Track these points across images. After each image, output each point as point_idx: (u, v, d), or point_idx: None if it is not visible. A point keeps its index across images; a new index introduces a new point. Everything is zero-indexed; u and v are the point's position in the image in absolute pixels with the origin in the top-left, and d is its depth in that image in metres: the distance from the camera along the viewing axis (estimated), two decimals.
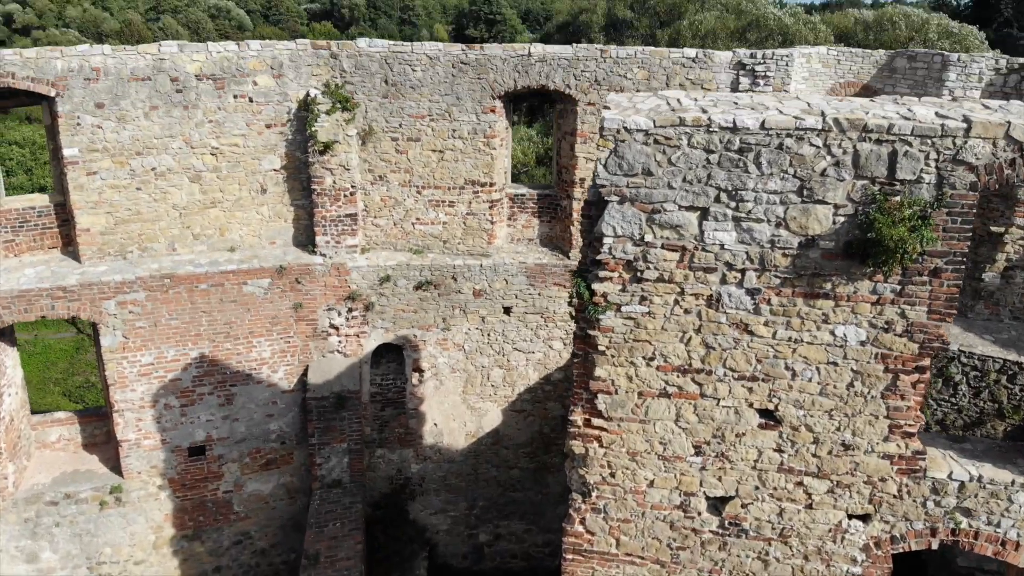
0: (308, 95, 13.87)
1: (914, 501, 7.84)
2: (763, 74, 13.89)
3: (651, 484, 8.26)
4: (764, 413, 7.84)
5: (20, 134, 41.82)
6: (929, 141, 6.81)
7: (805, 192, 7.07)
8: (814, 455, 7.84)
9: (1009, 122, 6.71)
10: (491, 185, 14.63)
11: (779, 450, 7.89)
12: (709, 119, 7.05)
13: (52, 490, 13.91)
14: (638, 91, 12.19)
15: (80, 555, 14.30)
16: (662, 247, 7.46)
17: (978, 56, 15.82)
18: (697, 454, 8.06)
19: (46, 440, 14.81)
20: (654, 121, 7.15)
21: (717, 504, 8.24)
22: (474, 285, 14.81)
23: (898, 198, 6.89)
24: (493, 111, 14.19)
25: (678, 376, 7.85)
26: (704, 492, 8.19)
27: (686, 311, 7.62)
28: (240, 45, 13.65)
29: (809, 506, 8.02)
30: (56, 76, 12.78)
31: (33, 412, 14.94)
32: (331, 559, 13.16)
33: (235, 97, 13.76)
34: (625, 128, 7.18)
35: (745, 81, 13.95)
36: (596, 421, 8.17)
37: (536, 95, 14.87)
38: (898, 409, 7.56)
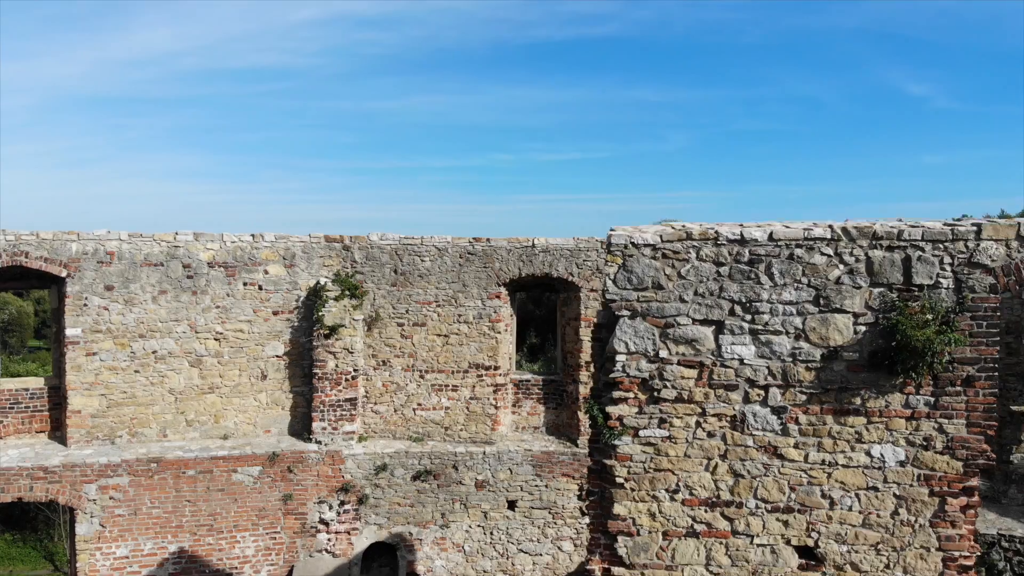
0: (318, 283, 14.13)
1: None
2: None
3: None
4: (803, 551, 7.05)
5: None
6: (941, 246, 6.80)
7: (822, 301, 6.92)
8: None
9: (1020, 223, 6.75)
10: (495, 369, 14.43)
11: None
12: (716, 232, 7.10)
13: None
14: None
15: None
16: (678, 363, 7.15)
17: None
18: None
19: None
20: (661, 236, 7.19)
21: None
22: (476, 475, 14.06)
23: (918, 304, 6.74)
24: (498, 297, 14.39)
25: (706, 511, 7.15)
26: None
27: (709, 434, 7.13)
28: (255, 236, 14.15)
29: None
30: (69, 258, 13.11)
31: None
32: None
33: (245, 284, 14.02)
34: (632, 243, 7.20)
35: None
36: (616, 570, 7.31)
37: (539, 285, 15.16)
38: (950, 539, 6.80)
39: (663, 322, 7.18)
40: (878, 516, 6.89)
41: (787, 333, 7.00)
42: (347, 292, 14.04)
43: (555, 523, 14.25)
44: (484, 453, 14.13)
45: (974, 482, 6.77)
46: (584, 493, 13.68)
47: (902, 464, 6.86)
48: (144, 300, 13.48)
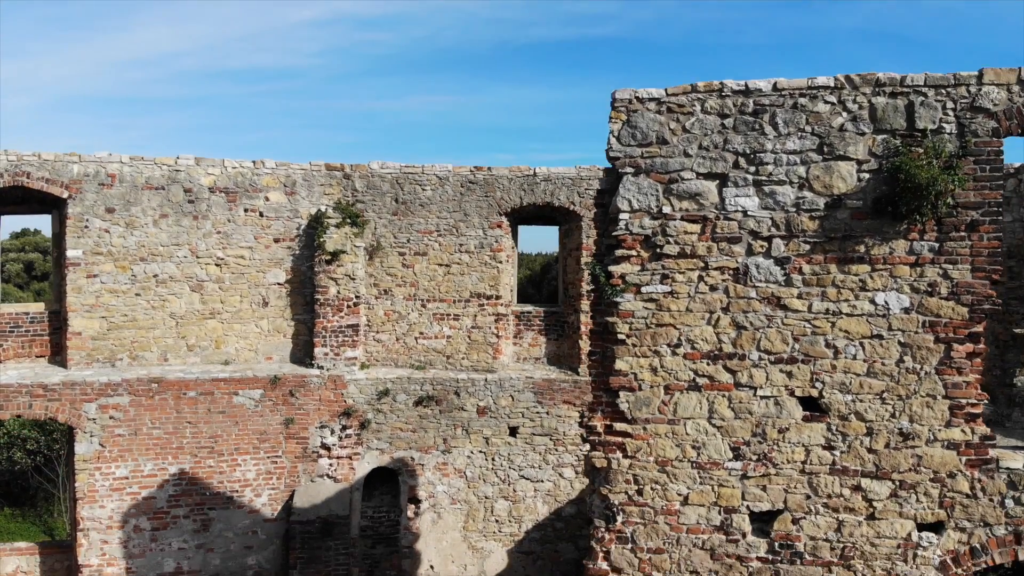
0: (319, 211, 14.11)
1: (991, 500, 6.77)
2: None
3: (685, 501, 7.19)
4: (808, 403, 7.03)
5: None
6: (944, 91, 6.79)
7: (825, 149, 6.91)
8: (870, 450, 6.90)
9: (1021, 68, 6.73)
10: (497, 298, 14.41)
11: (829, 446, 6.97)
12: (721, 84, 7.08)
13: None
14: None
15: None
16: (682, 219, 7.15)
17: None
18: (736, 458, 7.10)
19: (1, 571, 13.18)
20: (666, 90, 7.17)
21: (763, 522, 7.11)
22: (478, 401, 14.04)
23: (922, 148, 6.72)
24: (499, 227, 14.37)
25: (708, 364, 7.14)
26: (747, 507, 7.10)
27: (712, 288, 7.12)
28: (256, 163, 14.12)
29: (871, 516, 6.91)
30: (71, 179, 13.08)
31: None
32: None
33: (246, 211, 13.99)
34: (637, 98, 7.20)
35: None
36: (619, 425, 7.30)
37: (541, 217, 15.13)
38: (957, 386, 6.79)
39: (667, 177, 7.17)
40: (883, 364, 6.87)
41: (791, 183, 6.99)
42: (348, 220, 14.01)
43: (556, 450, 14.22)
44: (486, 380, 14.10)
45: (980, 328, 6.75)
46: (585, 412, 13.66)
47: (907, 311, 6.84)
48: (145, 223, 13.45)
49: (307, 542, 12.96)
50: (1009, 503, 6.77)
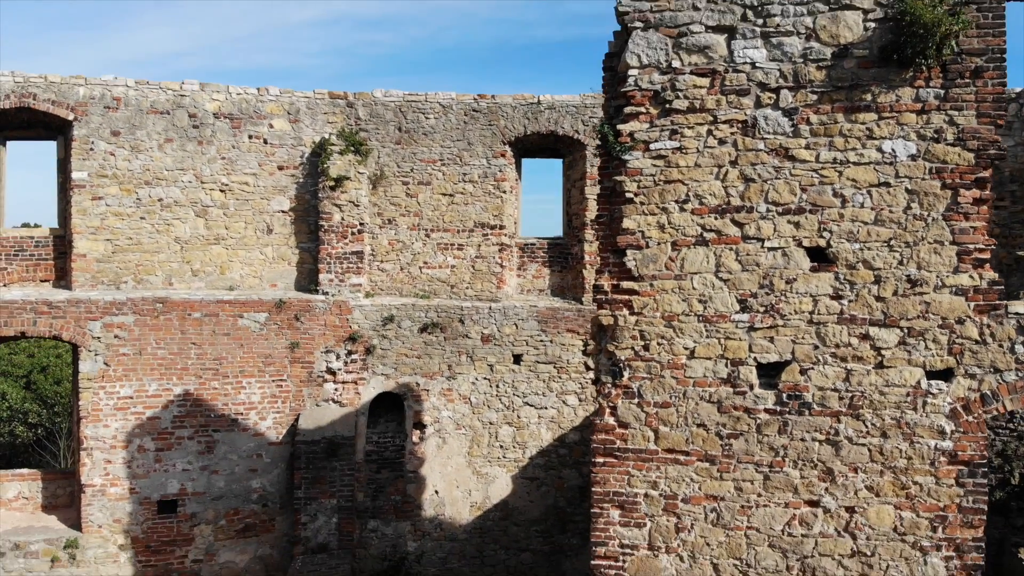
0: (323, 139, 14.13)
1: (1000, 346, 6.79)
2: None
3: (692, 354, 7.22)
4: (815, 254, 7.06)
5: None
6: None
7: None
8: (877, 298, 6.93)
9: None
10: (501, 228, 14.44)
11: (837, 296, 6.99)
12: None
13: (0, 539, 12.14)
14: None
15: None
16: (691, 73, 7.17)
17: None
18: (743, 310, 7.13)
19: (3, 496, 13.17)
20: None
21: (771, 374, 7.13)
22: (482, 329, 14.06)
23: None
24: (503, 156, 14.40)
25: (716, 218, 7.17)
26: (755, 359, 7.12)
27: (720, 141, 7.15)
28: (260, 89, 14.14)
29: (880, 365, 6.94)
30: (76, 102, 13.10)
31: None
32: None
33: (250, 137, 14.02)
34: None
35: None
36: (625, 284, 7.33)
37: (545, 149, 15.14)
38: (964, 231, 6.81)
39: (676, 31, 7.20)
40: (890, 212, 6.90)
41: (798, 34, 7.01)
42: (352, 148, 14.03)
43: (560, 378, 14.24)
44: (490, 308, 14.12)
45: (986, 174, 6.79)
46: (589, 339, 13.68)
47: (913, 158, 6.87)
48: (150, 147, 13.47)
49: (312, 462, 12.98)
50: (1019, 348, 6.79)
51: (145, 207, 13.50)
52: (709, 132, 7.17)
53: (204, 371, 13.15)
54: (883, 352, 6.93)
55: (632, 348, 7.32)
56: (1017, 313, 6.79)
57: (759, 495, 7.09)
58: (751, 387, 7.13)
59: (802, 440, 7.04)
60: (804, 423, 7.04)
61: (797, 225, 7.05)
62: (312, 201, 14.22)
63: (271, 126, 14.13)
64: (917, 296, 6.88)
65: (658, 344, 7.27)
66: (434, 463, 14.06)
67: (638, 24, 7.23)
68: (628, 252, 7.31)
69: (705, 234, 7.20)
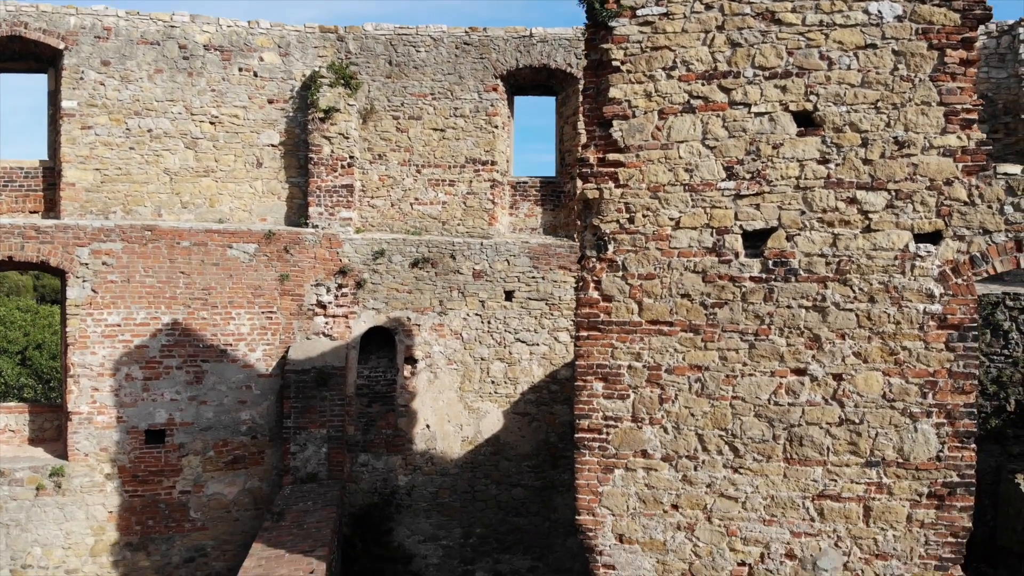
0: (313, 72, 14.05)
1: (989, 207, 6.70)
2: None
3: (677, 225, 7.13)
4: (802, 118, 6.97)
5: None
6: None
7: None
8: (865, 161, 6.84)
9: None
10: (492, 164, 14.35)
11: (824, 160, 6.91)
12: None
13: None
14: None
15: (3, 552, 12.00)
16: None
17: None
18: (729, 178, 7.04)
19: None
20: None
21: (757, 242, 7.04)
22: (474, 265, 13.96)
23: None
24: (495, 90, 14.31)
25: (703, 84, 7.08)
26: (740, 226, 7.03)
27: (707, 6, 7.06)
28: (250, 22, 14.06)
29: (867, 229, 6.85)
30: (67, 31, 13.02)
31: None
32: (299, 520, 11.03)
33: (240, 70, 13.94)
34: None
35: None
36: (611, 156, 7.25)
37: (538, 86, 15.05)
38: (951, 92, 6.72)
39: None
40: (877, 73, 6.81)
41: None
42: (342, 81, 13.94)
43: (552, 314, 14.15)
44: (481, 244, 14.02)
45: (972, 34, 6.69)
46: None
47: (899, 19, 6.78)
48: (140, 78, 13.39)
49: (302, 391, 12.89)
50: (1008, 209, 6.69)
51: (134, 137, 13.41)
52: None
53: (193, 301, 13.05)
54: (870, 216, 6.83)
55: (617, 221, 7.23)
56: (1006, 174, 6.70)
57: (744, 364, 6.99)
58: (736, 255, 7.04)
59: (788, 307, 6.94)
60: (790, 290, 6.95)
61: (784, 89, 6.96)
62: (302, 136, 14.13)
63: (261, 59, 14.05)
64: (904, 158, 6.78)
65: (643, 216, 7.18)
66: (425, 397, 13.96)
67: None
68: (614, 123, 7.22)
69: (692, 101, 7.11)
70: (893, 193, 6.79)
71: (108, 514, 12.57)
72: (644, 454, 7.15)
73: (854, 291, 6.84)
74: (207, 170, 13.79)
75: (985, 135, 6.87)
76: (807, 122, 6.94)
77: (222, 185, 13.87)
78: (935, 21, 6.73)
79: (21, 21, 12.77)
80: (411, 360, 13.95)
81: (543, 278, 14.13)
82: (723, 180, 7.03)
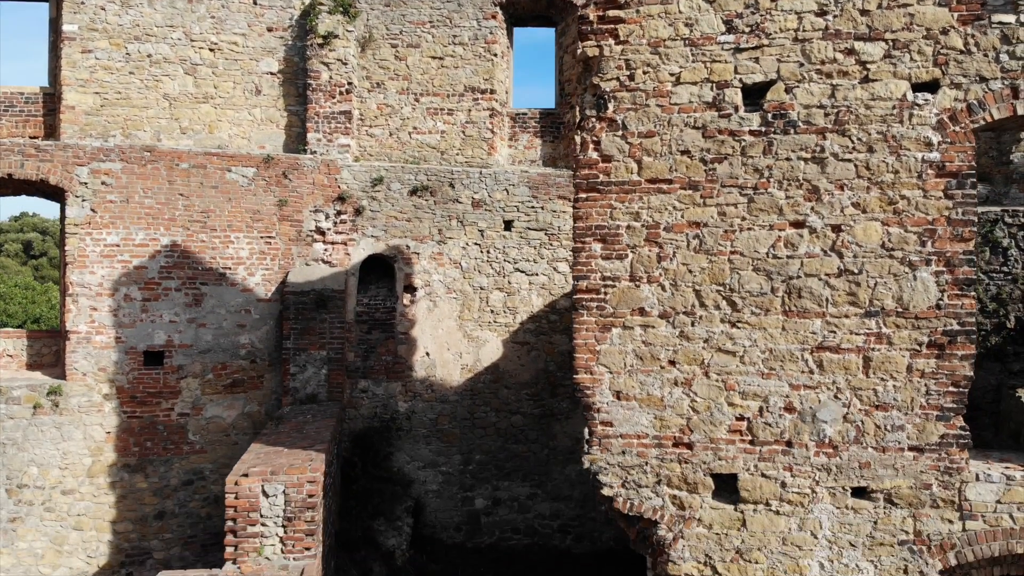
0: (312, 0, 14.04)
1: (985, 55, 6.68)
2: None
3: (677, 80, 7.11)
4: None
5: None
6: None
7: None
8: (862, 11, 6.82)
9: None
10: (492, 93, 14.34)
11: (822, 11, 6.89)
12: None
13: None
14: None
15: None
16: None
17: None
18: (729, 31, 7.02)
19: None
20: None
21: (756, 95, 7.03)
22: (473, 194, 13.94)
23: None
24: (494, 17, 14.30)
25: None
26: (740, 80, 7.02)
27: None
28: None
29: (865, 79, 6.83)
30: None
31: None
32: (298, 428, 11.02)
33: None
34: None
35: None
36: (611, 12, 7.23)
37: (537, 17, 15.04)
38: None
39: None
40: None
41: None
42: (340, 7, 13.93)
43: (551, 245, 14.13)
44: (480, 173, 14.00)
45: None
46: None
47: None
48: (140, 3, 13.39)
49: (301, 313, 12.88)
50: (1004, 57, 6.68)
51: (134, 62, 13.41)
52: None
53: (192, 223, 13.04)
54: (868, 66, 6.82)
55: (617, 79, 7.21)
56: (1001, 23, 6.68)
57: (743, 219, 6.98)
58: (736, 109, 7.03)
59: (787, 160, 6.93)
60: (789, 142, 6.93)
61: None
62: (301, 64, 14.12)
63: None
64: (901, 8, 6.77)
65: (643, 72, 7.16)
66: (425, 325, 13.95)
67: None
68: None
69: None
70: (890, 43, 6.78)
71: (106, 435, 12.55)
72: (642, 312, 7.13)
73: (852, 141, 6.83)
74: (206, 96, 13.78)
75: None
76: None
77: (221, 112, 13.86)
78: None
79: None
80: (410, 288, 13.93)
81: (542, 208, 14.11)
82: (723, 34, 7.02)
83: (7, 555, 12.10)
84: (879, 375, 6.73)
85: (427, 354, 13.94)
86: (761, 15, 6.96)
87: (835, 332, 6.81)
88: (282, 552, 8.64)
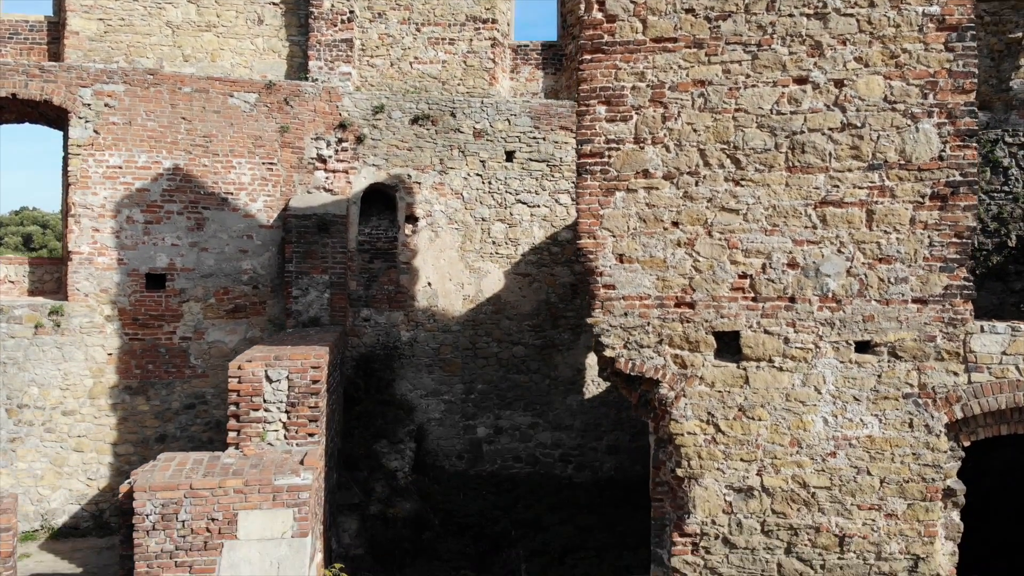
0: None
1: None
2: None
3: None
4: None
5: None
6: None
7: None
8: None
9: None
10: (493, 22, 14.35)
11: None
12: None
13: None
14: None
15: None
16: None
17: None
18: None
19: None
20: None
21: None
22: (474, 124, 13.94)
23: None
24: None
25: None
26: None
27: None
28: None
29: None
30: None
31: None
32: (302, 337, 11.03)
33: None
34: None
35: None
36: None
37: None
38: None
39: None
40: None
41: None
42: None
43: (553, 176, 14.13)
44: (482, 102, 14.00)
45: None
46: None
47: None
48: None
49: (303, 236, 12.89)
50: None
51: None
52: None
53: (194, 147, 13.04)
54: None
55: None
56: None
57: (747, 76, 6.98)
58: None
59: (790, 16, 6.93)
60: None
61: None
62: None
63: None
64: None
65: None
66: (427, 255, 13.95)
67: None
68: None
69: None
70: None
71: (107, 356, 12.55)
72: (645, 174, 7.13)
73: None
74: (208, 24, 13.80)
75: None
76: None
77: (223, 40, 13.88)
78: None
79: None
80: (412, 218, 13.93)
81: (544, 139, 14.11)
82: None
83: (6, 476, 12.10)
84: (882, 228, 6.74)
85: (429, 284, 13.94)
86: None
87: (838, 186, 6.82)
88: (285, 438, 8.64)
